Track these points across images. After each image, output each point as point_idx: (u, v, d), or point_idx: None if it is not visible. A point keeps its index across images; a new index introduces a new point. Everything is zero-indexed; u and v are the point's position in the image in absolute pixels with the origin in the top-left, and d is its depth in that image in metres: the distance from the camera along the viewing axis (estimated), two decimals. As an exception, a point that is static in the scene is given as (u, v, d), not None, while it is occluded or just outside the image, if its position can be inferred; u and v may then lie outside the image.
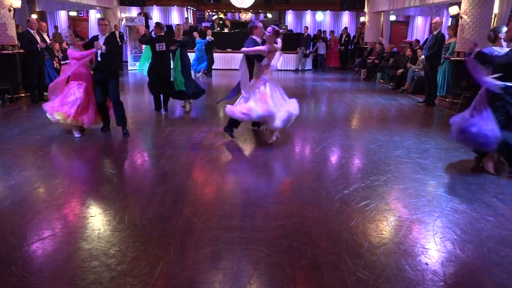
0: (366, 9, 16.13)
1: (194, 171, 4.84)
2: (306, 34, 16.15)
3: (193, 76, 11.24)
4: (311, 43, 16.89)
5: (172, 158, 5.15)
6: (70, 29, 6.66)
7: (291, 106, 5.70)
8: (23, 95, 9.27)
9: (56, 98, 6.04)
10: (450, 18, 14.17)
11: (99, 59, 6.04)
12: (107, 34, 5.98)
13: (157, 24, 7.88)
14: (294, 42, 16.05)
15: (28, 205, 3.76)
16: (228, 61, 15.95)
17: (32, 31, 8.70)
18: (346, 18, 20.96)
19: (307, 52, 16.22)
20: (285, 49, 16.01)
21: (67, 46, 6.75)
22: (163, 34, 7.73)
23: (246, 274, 2.75)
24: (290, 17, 21.23)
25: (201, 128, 6.72)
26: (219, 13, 22.31)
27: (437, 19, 10.39)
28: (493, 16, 9.24)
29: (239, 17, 22.64)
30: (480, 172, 4.77)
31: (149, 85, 7.98)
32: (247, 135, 6.32)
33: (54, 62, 10.38)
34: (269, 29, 5.65)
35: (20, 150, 5.44)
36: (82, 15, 19.39)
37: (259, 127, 6.54)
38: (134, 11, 18.18)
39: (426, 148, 5.75)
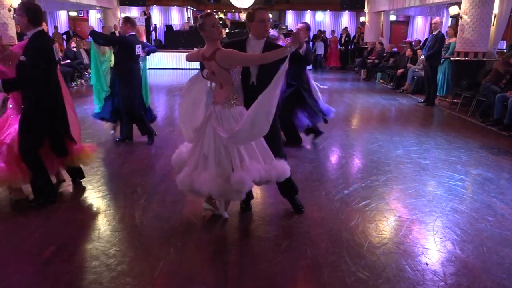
0: (366, 9, 16.13)
1: (194, 171, 4.83)
2: None
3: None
4: (311, 43, 16.81)
5: (172, 158, 5.14)
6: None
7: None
8: (23, 95, 9.26)
9: None
10: (450, 18, 14.18)
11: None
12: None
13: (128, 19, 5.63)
14: None
15: (27, 204, 3.76)
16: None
17: (32, 31, 8.69)
18: (346, 18, 20.96)
19: None
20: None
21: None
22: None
23: (246, 274, 2.74)
24: (290, 17, 21.22)
25: (201, 128, 6.71)
26: (219, 13, 22.31)
27: (437, 19, 10.40)
28: (493, 16, 9.24)
29: (239, 17, 22.64)
30: (481, 172, 4.77)
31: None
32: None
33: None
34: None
35: (20, 150, 5.43)
36: (82, 15, 19.39)
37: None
38: (134, 11, 18.17)
39: (426, 148, 5.75)
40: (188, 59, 3.47)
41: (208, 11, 3.23)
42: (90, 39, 5.39)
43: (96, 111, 5.81)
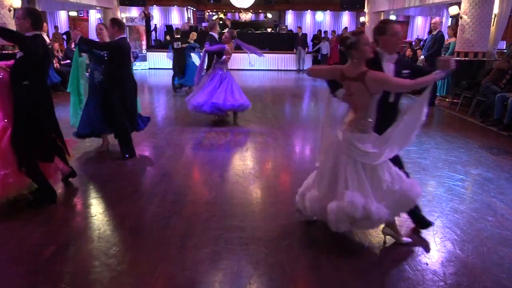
0: (366, 9, 16.12)
1: (194, 171, 4.83)
2: (301, 33, 16.07)
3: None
4: (311, 43, 16.83)
5: (172, 158, 5.15)
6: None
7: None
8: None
9: None
10: (450, 18, 14.18)
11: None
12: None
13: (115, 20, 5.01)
14: (290, 42, 16.03)
15: (27, 205, 3.75)
16: (230, 61, 15.84)
17: (32, 31, 8.68)
18: (346, 18, 20.96)
19: (306, 51, 16.14)
20: (283, 49, 16.08)
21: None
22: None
23: (246, 274, 2.75)
24: (290, 17, 21.23)
25: (201, 128, 6.72)
26: (219, 13, 22.32)
27: (436, 19, 10.40)
28: (493, 16, 9.23)
29: (239, 17, 22.65)
30: (481, 172, 4.77)
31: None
32: (247, 136, 6.32)
33: (54, 62, 10.39)
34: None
35: (20, 150, 5.42)
36: (82, 15, 19.38)
37: None
38: (134, 11, 18.16)
39: (426, 148, 5.75)
40: (315, 75, 3.27)
41: (359, 28, 3.15)
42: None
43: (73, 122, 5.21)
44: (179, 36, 10.58)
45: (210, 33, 7.49)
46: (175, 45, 10.12)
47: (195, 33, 10.90)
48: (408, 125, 2.91)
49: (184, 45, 10.06)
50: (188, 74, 9.90)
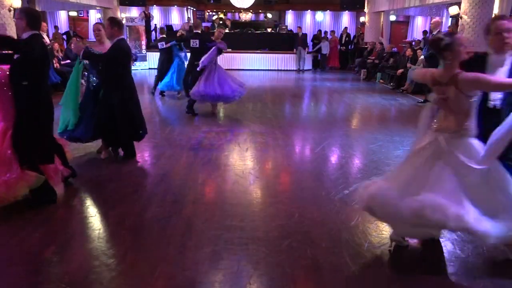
0: (366, 9, 16.13)
1: (194, 171, 4.83)
2: (301, 33, 16.06)
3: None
4: (312, 43, 16.80)
5: (172, 158, 5.15)
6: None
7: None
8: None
9: None
10: (450, 18, 14.19)
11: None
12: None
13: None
14: (290, 42, 16.02)
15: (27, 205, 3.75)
16: (229, 61, 15.82)
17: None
18: (346, 18, 20.96)
19: (306, 51, 16.13)
20: (283, 49, 16.07)
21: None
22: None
23: (246, 274, 2.75)
24: (290, 17, 21.22)
25: (201, 128, 6.72)
26: (219, 13, 22.32)
27: (436, 19, 10.41)
28: (493, 16, 9.24)
29: (239, 17, 22.64)
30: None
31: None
32: (247, 136, 6.32)
33: (54, 62, 10.39)
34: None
35: (20, 150, 5.42)
36: (82, 15, 19.39)
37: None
38: (134, 11, 18.16)
39: (426, 148, 5.74)
40: (417, 78, 3.26)
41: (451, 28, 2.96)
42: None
43: (60, 130, 4.92)
44: (164, 36, 10.36)
45: (195, 31, 8.18)
46: (159, 45, 9.74)
47: (182, 31, 10.63)
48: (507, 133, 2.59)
49: (167, 45, 9.62)
50: (176, 77, 9.38)
